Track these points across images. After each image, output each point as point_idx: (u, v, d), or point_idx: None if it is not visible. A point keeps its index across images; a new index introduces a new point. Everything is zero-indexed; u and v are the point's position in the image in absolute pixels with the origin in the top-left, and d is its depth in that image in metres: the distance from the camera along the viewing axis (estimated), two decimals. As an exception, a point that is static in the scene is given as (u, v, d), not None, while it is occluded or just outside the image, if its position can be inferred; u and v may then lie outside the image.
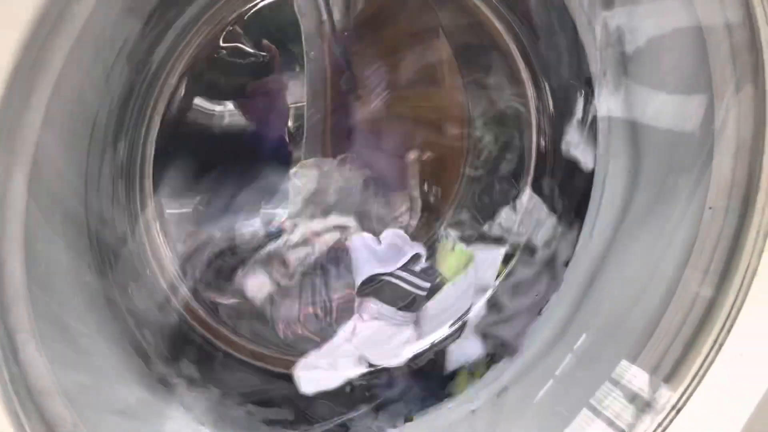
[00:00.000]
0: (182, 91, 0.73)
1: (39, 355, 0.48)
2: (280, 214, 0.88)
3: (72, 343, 0.54)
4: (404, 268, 0.86)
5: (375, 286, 0.85)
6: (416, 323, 0.86)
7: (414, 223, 0.91)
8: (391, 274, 0.85)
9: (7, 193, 0.43)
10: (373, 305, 0.85)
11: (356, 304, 0.85)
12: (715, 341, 0.61)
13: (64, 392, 0.49)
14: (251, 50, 0.78)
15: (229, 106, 0.82)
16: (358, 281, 0.85)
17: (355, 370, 0.81)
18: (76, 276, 0.56)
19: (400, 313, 0.85)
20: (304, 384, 0.78)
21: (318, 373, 0.79)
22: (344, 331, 0.84)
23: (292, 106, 0.86)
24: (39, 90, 0.43)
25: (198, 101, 0.78)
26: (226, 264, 0.84)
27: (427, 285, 0.86)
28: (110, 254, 0.63)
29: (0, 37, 0.38)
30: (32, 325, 0.47)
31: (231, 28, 0.75)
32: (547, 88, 0.79)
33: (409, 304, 0.86)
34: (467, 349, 0.84)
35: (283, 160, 0.86)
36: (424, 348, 0.85)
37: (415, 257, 0.87)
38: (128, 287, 0.66)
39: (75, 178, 0.55)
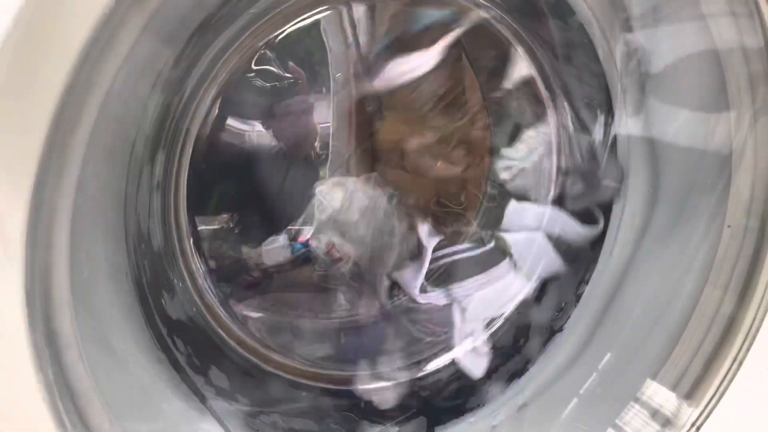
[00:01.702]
0: (215, 112, 0.76)
1: (80, 359, 0.50)
2: (306, 230, 0.90)
3: (110, 350, 0.56)
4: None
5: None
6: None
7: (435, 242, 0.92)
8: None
9: (56, 206, 0.46)
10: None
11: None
12: (735, 358, 0.61)
13: (103, 397, 0.52)
14: (280, 72, 0.81)
15: (258, 126, 0.85)
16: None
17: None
18: (114, 285, 0.58)
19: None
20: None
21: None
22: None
23: (319, 125, 0.88)
24: (87, 109, 0.46)
25: (230, 121, 0.81)
26: (254, 278, 0.87)
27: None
28: (145, 265, 0.66)
29: (54, 60, 0.41)
30: (74, 330, 0.49)
31: (262, 52, 0.78)
32: (567, 107, 0.81)
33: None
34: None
35: (310, 178, 0.89)
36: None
37: None
38: (162, 298, 0.68)
39: (116, 192, 0.59)
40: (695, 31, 0.58)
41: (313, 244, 0.90)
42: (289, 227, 0.90)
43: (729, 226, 0.64)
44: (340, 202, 0.90)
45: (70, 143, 0.45)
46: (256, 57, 0.78)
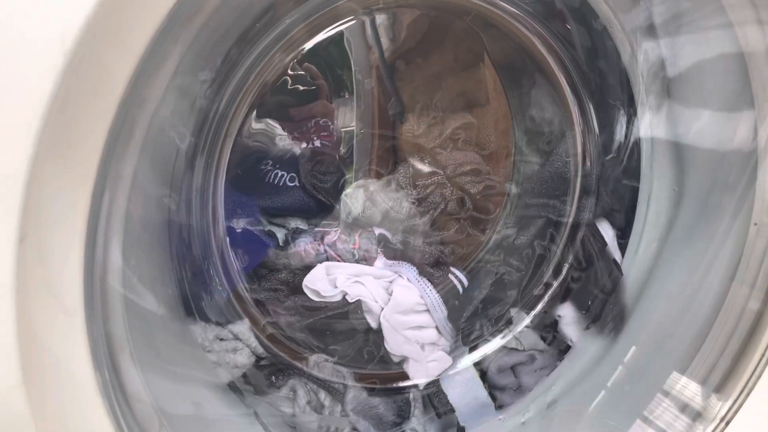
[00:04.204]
0: (249, 120, 0.78)
1: (132, 362, 0.52)
2: (332, 231, 0.92)
3: (157, 351, 0.59)
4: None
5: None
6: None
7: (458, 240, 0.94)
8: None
9: (110, 217, 0.48)
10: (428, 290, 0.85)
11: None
12: (764, 353, 0.62)
13: (153, 397, 0.54)
14: (308, 81, 0.83)
15: (287, 130, 0.87)
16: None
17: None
18: (161, 288, 0.61)
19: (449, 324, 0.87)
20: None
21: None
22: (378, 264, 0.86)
23: (343, 129, 0.90)
24: (138, 124, 0.48)
25: (262, 127, 0.83)
26: (281, 280, 0.88)
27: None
28: (187, 269, 0.68)
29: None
30: (127, 334, 0.52)
31: (291, 63, 0.80)
32: (591, 108, 0.82)
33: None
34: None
35: (334, 180, 0.90)
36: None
37: None
38: (202, 300, 0.71)
39: (161, 200, 0.61)
40: (720, 37, 0.59)
41: (339, 243, 0.92)
42: (315, 228, 0.91)
43: (755, 224, 0.65)
44: (363, 204, 0.92)
45: (126, 148, 0.48)
46: (285, 68, 0.80)
